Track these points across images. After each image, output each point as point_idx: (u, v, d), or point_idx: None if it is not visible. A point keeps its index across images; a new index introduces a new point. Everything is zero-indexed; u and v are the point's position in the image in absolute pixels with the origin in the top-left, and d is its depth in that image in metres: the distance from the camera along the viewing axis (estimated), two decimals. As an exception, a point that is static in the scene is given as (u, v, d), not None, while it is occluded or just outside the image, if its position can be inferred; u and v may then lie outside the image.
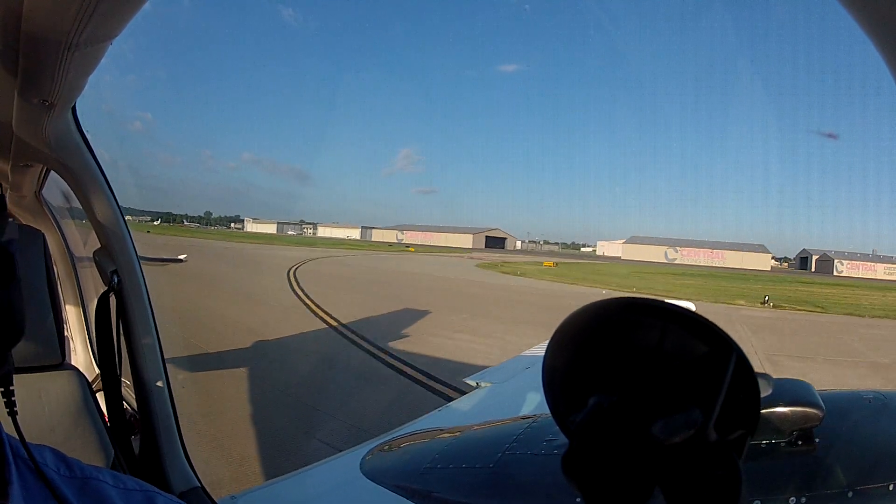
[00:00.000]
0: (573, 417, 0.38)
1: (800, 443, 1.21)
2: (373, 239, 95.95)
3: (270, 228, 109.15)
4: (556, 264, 43.65)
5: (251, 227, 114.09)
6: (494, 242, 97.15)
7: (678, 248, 78.64)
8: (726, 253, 76.14)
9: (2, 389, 0.65)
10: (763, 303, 21.60)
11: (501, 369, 3.42)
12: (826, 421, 1.20)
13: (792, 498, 1.13)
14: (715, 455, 0.35)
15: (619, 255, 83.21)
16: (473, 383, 3.14)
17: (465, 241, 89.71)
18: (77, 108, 1.16)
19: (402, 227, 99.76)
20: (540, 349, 3.75)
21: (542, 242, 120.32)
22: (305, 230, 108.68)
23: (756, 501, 1.14)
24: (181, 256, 12.97)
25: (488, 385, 3.04)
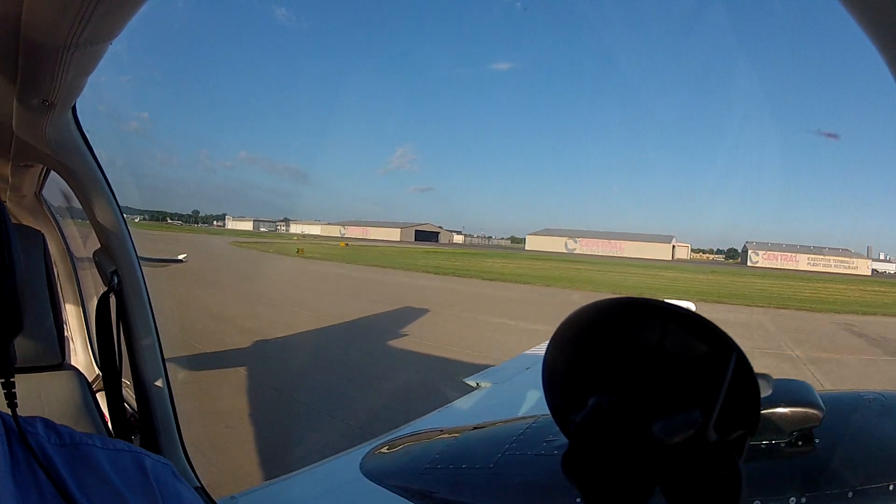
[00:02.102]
0: (573, 417, 0.38)
1: (800, 443, 1.21)
2: (320, 233, 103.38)
3: (248, 225, 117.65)
4: (347, 244, 52.43)
5: (232, 224, 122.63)
6: (427, 236, 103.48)
7: (577, 239, 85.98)
8: (625, 244, 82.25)
9: (2, 382, 0.67)
10: (297, 252, 33.47)
11: (501, 369, 3.42)
12: (826, 421, 1.20)
13: (792, 498, 1.13)
14: (715, 455, 0.35)
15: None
16: (473, 383, 3.14)
17: (394, 234, 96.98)
18: (77, 108, 1.16)
19: (345, 223, 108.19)
20: (540, 349, 3.75)
21: (490, 237, 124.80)
22: (279, 227, 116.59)
23: (756, 501, 1.14)
24: (181, 257, 12.96)
25: (488, 385, 3.05)
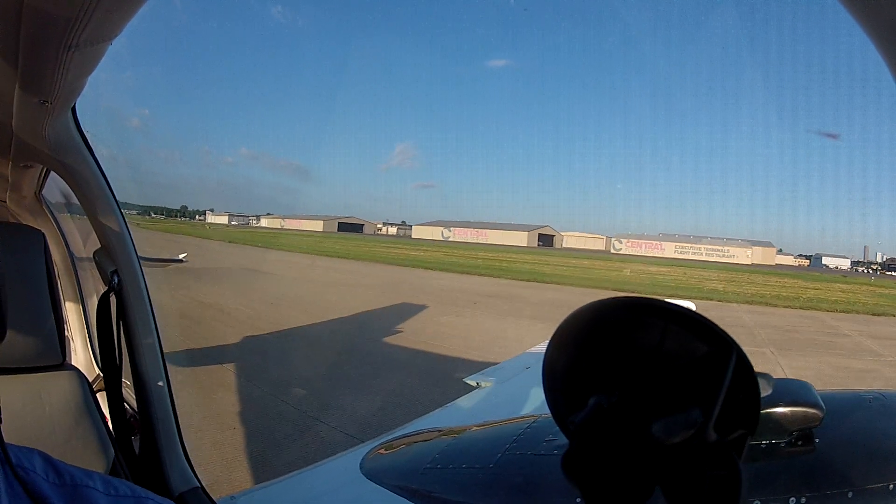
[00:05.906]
0: (573, 417, 0.38)
1: (800, 443, 1.21)
2: (266, 225, 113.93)
3: (224, 219, 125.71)
4: (208, 227, 58.84)
5: (211, 218, 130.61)
6: (352, 228, 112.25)
7: (451, 229, 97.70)
8: (489, 232, 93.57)
9: None
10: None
11: (502, 369, 3.42)
12: (826, 421, 1.20)
13: (792, 498, 1.13)
14: (715, 455, 0.35)
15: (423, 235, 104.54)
16: (473, 383, 3.13)
17: (317, 226, 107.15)
18: (77, 108, 1.16)
19: (284, 217, 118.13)
20: (541, 349, 3.74)
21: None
22: (251, 221, 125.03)
23: (756, 501, 1.14)
24: (181, 256, 12.95)
25: (488, 385, 3.04)
